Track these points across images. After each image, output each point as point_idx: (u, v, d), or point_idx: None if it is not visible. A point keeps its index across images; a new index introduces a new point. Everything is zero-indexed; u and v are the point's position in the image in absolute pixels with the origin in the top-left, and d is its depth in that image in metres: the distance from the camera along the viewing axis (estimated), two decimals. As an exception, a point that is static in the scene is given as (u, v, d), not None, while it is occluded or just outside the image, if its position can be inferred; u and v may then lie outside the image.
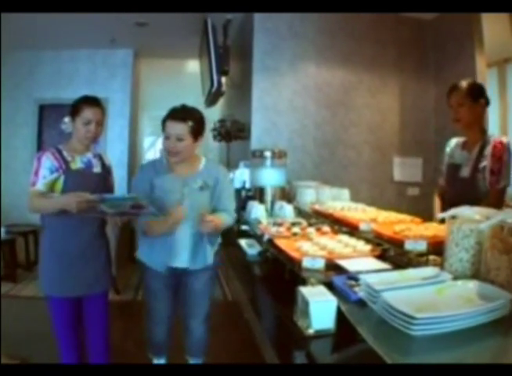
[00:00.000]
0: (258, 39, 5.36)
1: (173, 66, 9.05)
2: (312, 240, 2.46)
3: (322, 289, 1.74)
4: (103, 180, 2.97)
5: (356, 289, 1.75)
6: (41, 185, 2.73)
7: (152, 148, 9.46)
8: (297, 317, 1.73)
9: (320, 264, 2.03)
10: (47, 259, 2.87)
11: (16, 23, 6.05)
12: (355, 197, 3.86)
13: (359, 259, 2.12)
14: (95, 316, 3.01)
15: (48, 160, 2.76)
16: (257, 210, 3.38)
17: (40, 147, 7.76)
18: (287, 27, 5.39)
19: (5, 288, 5.75)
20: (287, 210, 3.38)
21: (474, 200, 2.33)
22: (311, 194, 3.70)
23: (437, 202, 3.26)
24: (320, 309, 1.61)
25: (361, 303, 1.66)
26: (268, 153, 3.85)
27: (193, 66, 8.24)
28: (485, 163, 2.88)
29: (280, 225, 2.85)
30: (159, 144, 9.21)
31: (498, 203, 2.77)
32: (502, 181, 2.84)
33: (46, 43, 7.43)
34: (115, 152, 7.44)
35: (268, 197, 3.86)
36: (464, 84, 3.01)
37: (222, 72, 5.54)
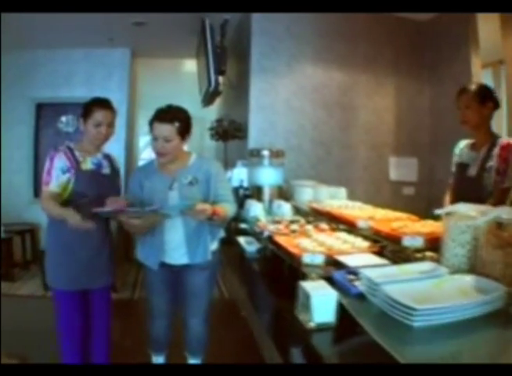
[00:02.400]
0: (256, 40, 5.38)
1: (170, 65, 9.06)
2: (311, 236, 2.50)
3: (322, 283, 1.79)
4: (112, 181, 3.03)
5: (356, 283, 1.79)
6: (54, 186, 2.78)
7: (147, 148, 9.43)
8: (298, 311, 1.76)
9: (320, 260, 2.07)
10: (52, 253, 2.93)
11: (12, 22, 6.00)
12: (352, 196, 3.88)
13: (358, 255, 2.16)
14: (99, 309, 3.07)
15: (60, 161, 2.80)
16: (255, 208, 3.42)
17: (36, 146, 7.74)
18: (284, 28, 5.41)
19: (2, 287, 5.72)
20: (285, 208, 3.42)
21: (480, 199, 2.40)
22: (308, 193, 3.74)
23: (446, 200, 3.29)
24: (321, 302, 1.65)
25: (361, 297, 1.70)
26: (265, 153, 3.90)
27: (190, 66, 8.22)
28: (492, 163, 2.92)
29: (279, 222, 2.89)
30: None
31: (502, 202, 2.81)
32: (508, 181, 2.87)
33: (43, 42, 7.38)
34: (112, 151, 7.16)
35: (266, 195, 3.91)
36: (473, 87, 3.05)
37: (219, 72, 5.54)
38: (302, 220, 2.99)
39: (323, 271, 2.02)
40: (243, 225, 3.52)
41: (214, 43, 5.59)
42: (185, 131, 2.78)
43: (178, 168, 2.86)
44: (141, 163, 9.48)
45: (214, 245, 2.97)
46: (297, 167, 5.20)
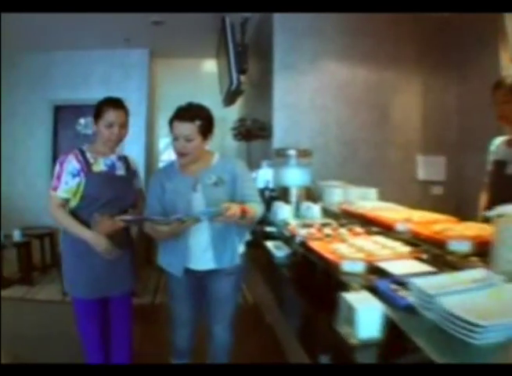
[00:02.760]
0: (278, 37, 5.23)
1: (190, 65, 8.92)
2: (347, 241, 2.34)
3: (366, 295, 1.63)
4: (127, 183, 2.88)
5: (402, 293, 1.63)
6: (62, 191, 2.69)
7: (167, 149, 9.36)
8: (339, 325, 1.61)
9: (360, 267, 1.92)
10: (68, 260, 2.82)
11: (28, 24, 5.98)
12: (379, 197, 3.74)
13: (401, 262, 1.99)
14: (120, 316, 2.96)
15: (70, 165, 2.69)
16: (283, 211, 3.27)
17: (55, 149, 7.67)
18: (307, 25, 5.25)
19: (20, 291, 5.70)
20: (315, 210, 3.27)
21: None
22: (338, 194, 3.58)
23: (483, 200, 3.12)
24: (367, 316, 1.50)
25: (410, 309, 1.55)
26: (292, 152, 3.75)
27: (210, 65, 8.07)
28: None
29: (310, 226, 2.74)
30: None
31: None
32: None
33: (60, 44, 7.30)
34: (132, 153, 6.94)
35: (293, 197, 3.75)
36: (509, 80, 2.88)
37: (241, 70, 5.42)
38: (334, 223, 2.83)
39: (364, 280, 1.86)
40: (269, 228, 3.37)
41: (235, 41, 5.46)
42: (206, 129, 2.63)
43: (201, 168, 2.71)
44: (161, 165, 9.55)
45: (240, 248, 2.82)
46: (322, 167, 5.03)
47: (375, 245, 2.22)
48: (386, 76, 5.54)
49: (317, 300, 2.00)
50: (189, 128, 2.55)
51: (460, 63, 5.60)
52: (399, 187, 5.52)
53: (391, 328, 1.50)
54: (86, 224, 2.66)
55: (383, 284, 1.75)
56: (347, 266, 1.90)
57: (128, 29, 6.60)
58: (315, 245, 2.27)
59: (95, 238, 2.62)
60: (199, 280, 2.81)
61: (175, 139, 2.60)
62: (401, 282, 1.70)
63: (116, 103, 2.78)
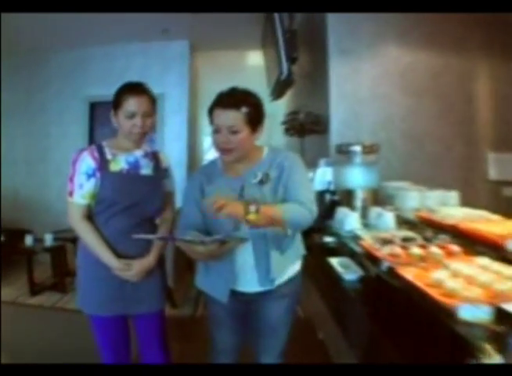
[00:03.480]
0: (332, 20, 4.68)
1: (233, 58, 8.34)
2: (446, 266, 1.76)
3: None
4: (154, 185, 2.40)
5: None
6: (78, 197, 2.28)
7: (212, 148, 8.77)
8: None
9: (485, 314, 1.34)
10: (82, 273, 2.40)
11: (61, 21, 5.79)
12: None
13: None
14: (147, 337, 2.50)
15: (83, 163, 2.27)
16: (351, 220, 2.67)
17: (92, 147, 7.37)
18: (363, 6, 4.72)
19: (52, 299, 5.40)
20: (388, 219, 2.67)
21: None
22: (414, 198, 2.98)
23: None
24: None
25: None
26: (357, 148, 3.17)
27: (255, 57, 7.63)
28: None
29: (388, 241, 2.16)
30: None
31: None
32: None
33: (95, 38, 7.03)
34: (173, 151, 6.85)
35: (358, 201, 3.17)
36: None
37: (291, 59, 4.91)
38: (419, 238, 2.24)
39: (490, 333, 1.29)
40: (329, 239, 2.82)
41: (283, 27, 4.94)
42: (255, 119, 2.11)
43: (249, 167, 2.19)
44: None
45: (296, 265, 2.29)
46: (387, 165, 4.42)
47: (489, 274, 1.63)
48: (451, 61, 4.90)
49: (412, 345, 1.48)
50: (233, 117, 2.04)
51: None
52: (467, 187, 4.88)
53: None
54: (101, 232, 2.27)
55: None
56: (466, 313, 1.33)
57: (166, 19, 6.18)
58: (409, 275, 1.69)
59: (122, 269, 2.26)
60: (246, 304, 2.30)
61: (216, 131, 2.09)
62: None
63: (136, 89, 2.29)
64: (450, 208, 2.67)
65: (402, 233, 2.36)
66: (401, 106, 4.70)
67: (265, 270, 2.15)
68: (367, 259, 2.13)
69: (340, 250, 2.64)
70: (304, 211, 2.03)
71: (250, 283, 2.18)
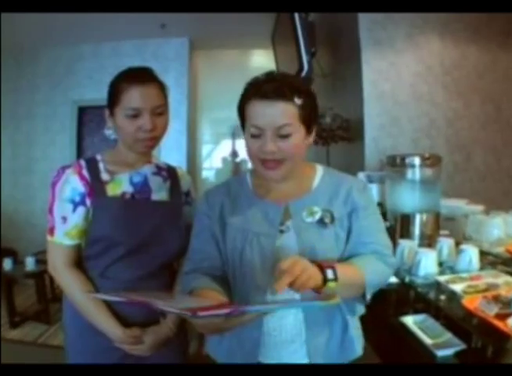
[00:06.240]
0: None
1: (237, 57, 7.72)
2: None
3: None
4: (172, 214, 1.67)
5: None
6: (61, 235, 1.55)
7: (208, 159, 8.04)
8: None
9: None
10: (72, 342, 1.67)
11: (50, 16, 5.22)
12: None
13: None
14: None
15: (67, 186, 1.56)
16: (427, 260, 1.89)
17: (80, 157, 6.69)
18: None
19: (35, 332, 4.67)
20: (472, 257, 1.94)
21: None
22: (498, 226, 2.24)
23: None
24: None
25: None
26: (416, 160, 2.42)
27: (260, 57, 7.12)
28: None
29: (483, 290, 1.44)
30: (217, 155, 7.95)
31: None
32: None
33: (86, 35, 6.44)
34: (171, 162, 6.03)
35: (416, 228, 2.41)
36: None
37: (311, 54, 4.21)
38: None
39: None
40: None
41: (301, 19, 4.24)
42: (311, 115, 1.38)
43: (295, 191, 1.46)
44: (204, 175, 8.29)
45: (356, 329, 1.52)
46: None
47: None
48: (499, 57, 4.22)
49: None
50: (284, 112, 1.30)
51: None
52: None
53: None
54: (97, 287, 1.58)
55: None
56: None
57: (164, 15, 5.58)
58: None
59: (129, 341, 1.54)
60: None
61: (257, 135, 1.34)
62: None
63: (141, 76, 1.58)
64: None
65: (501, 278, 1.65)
66: (445, 109, 4.05)
67: (317, 340, 1.42)
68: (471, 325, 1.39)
69: (406, 297, 1.89)
70: (384, 267, 1.43)
71: (287, 356, 1.44)
